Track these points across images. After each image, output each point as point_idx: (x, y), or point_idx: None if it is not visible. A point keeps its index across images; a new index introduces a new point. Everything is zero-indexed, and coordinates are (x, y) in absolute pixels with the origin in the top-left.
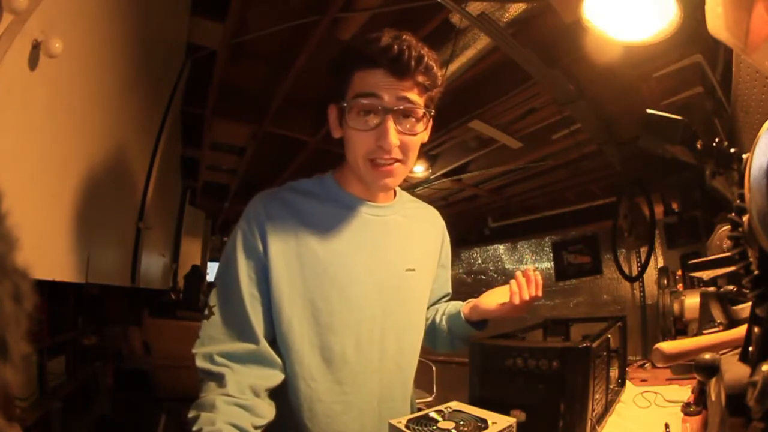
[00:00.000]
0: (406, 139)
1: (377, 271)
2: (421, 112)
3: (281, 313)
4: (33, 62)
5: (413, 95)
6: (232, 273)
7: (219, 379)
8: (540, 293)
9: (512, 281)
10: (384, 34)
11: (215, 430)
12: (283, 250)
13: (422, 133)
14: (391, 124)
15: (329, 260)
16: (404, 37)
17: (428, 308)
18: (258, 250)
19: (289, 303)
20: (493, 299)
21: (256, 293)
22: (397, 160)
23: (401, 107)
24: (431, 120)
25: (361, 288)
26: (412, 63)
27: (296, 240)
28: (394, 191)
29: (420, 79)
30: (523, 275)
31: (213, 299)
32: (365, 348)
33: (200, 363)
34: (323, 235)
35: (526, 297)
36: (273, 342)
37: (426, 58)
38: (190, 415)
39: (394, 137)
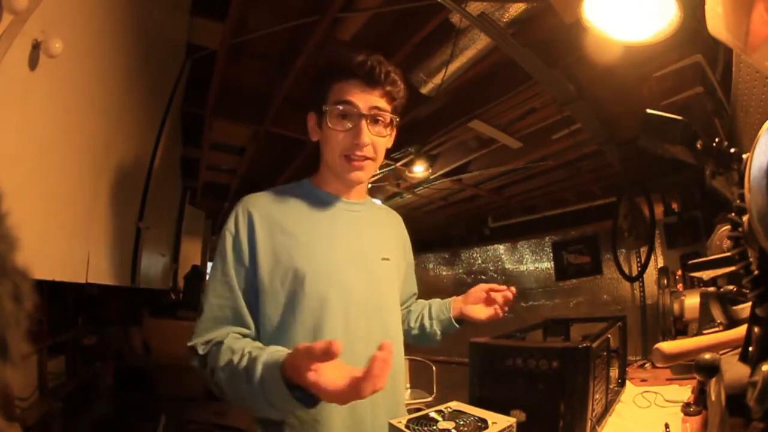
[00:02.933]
0: (376, 140)
1: (357, 258)
2: (388, 117)
3: (275, 299)
4: (33, 62)
5: (382, 103)
6: (221, 271)
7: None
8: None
9: (495, 300)
10: (358, 52)
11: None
12: (272, 244)
13: (388, 136)
14: (364, 126)
15: (316, 250)
16: (374, 54)
17: (402, 307)
18: (243, 249)
19: (282, 288)
20: (479, 312)
21: (243, 285)
22: (368, 158)
23: (373, 113)
24: (396, 127)
25: (344, 274)
26: (382, 76)
27: (281, 233)
28: (365, 194)
29: (388, 89)
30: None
31: (204, 296)
32: (352, 330)
33: (201, 351)
34: (306, 228)
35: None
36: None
37: (392, 73)
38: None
39: (367, 136)
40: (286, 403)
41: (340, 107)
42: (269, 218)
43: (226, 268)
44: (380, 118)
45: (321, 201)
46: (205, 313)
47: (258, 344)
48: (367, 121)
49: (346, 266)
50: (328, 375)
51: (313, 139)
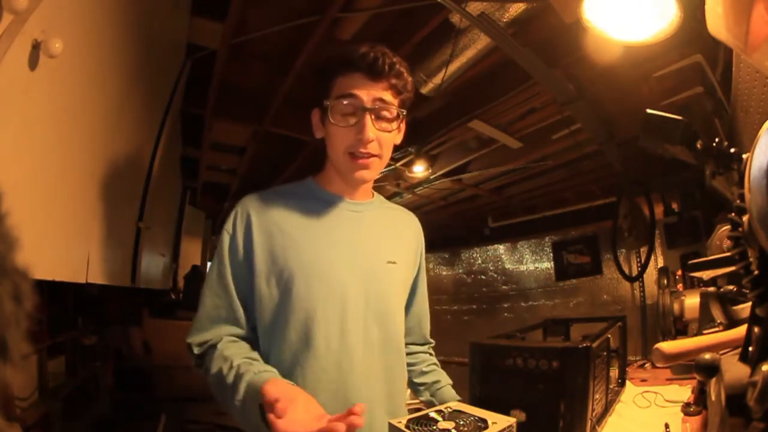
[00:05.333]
0: (382, 136)
1: (358, 261)
2: (395, 111)
3: (269, 300)
4: (33, 62)
5: (387, 96)
6: (218, 271)
7: (214, 346)
8: None
9: None
10: (361, 45)
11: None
12: (269, 245)
13: (395, 131)
14: (368, 121)
15: (311, 251)
16: (378, 46)
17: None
18: (240, 250)
19: (276, 289)
20: None
21: (239, 285)
22: (373, 155)
23: (377, 106)
24: (403, 121)
25: (343, 277)
26: (386, 67)
27: (280, 234)
28: (373, 193)
29: (393, 81)
30: None
31: (201, 295)
32: (350, 337)
33: (196, 351)
34: (304, 229)
35: None
36: (253, 330)
37: (397, 64)
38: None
39: (371, 132)
40: (260, 425)
41: (343, 101)
42: (267, 219)
43: (222, 269)
44: (385, 112)
45: (322, 201)
46: (200, 312)
47: (248, 355)
48: (372, 116)
49: (343, 269)
50: (297, 416)
51: (318, 136)
